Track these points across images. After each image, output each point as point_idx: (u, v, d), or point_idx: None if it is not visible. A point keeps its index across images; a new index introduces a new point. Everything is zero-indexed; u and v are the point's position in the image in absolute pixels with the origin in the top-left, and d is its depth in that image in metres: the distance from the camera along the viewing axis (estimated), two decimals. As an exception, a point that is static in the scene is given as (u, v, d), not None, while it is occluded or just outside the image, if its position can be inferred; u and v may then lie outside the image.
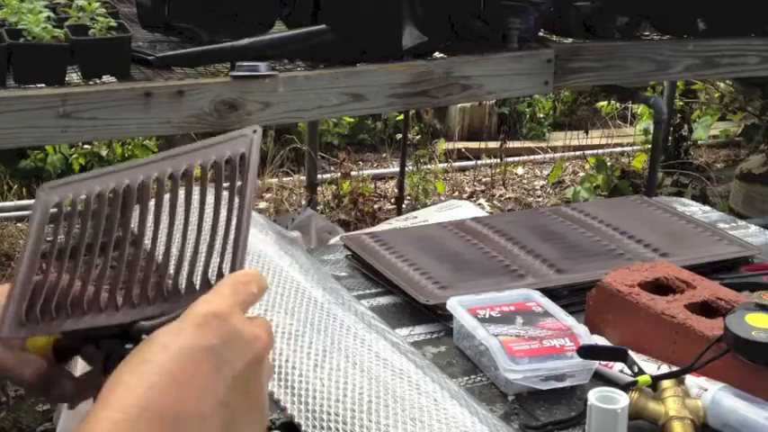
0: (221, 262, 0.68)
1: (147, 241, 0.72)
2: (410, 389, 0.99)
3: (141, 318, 0.70)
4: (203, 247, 0.69)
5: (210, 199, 0.70)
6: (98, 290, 0.73)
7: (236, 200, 0.69)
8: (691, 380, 1.06)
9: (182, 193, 0.71)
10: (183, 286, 0.69)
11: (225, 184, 0.70)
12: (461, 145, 5.22)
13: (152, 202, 0.72)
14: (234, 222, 0.68)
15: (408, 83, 2.39)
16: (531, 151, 5.25)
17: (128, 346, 0.67)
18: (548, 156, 5.24)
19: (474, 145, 5.22)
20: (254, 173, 0.71)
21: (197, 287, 0.68)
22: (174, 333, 0.59)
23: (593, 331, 1.19)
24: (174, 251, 0.70)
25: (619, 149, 5.14)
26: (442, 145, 5.03)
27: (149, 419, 0.55)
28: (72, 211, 0.76)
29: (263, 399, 0.63)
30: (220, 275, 0.66)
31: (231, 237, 0.68)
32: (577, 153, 5.22)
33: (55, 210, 0.77)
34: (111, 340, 0.73)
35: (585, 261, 1.44)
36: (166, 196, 0.72)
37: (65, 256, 0.77)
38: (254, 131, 0.73)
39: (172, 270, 0.69)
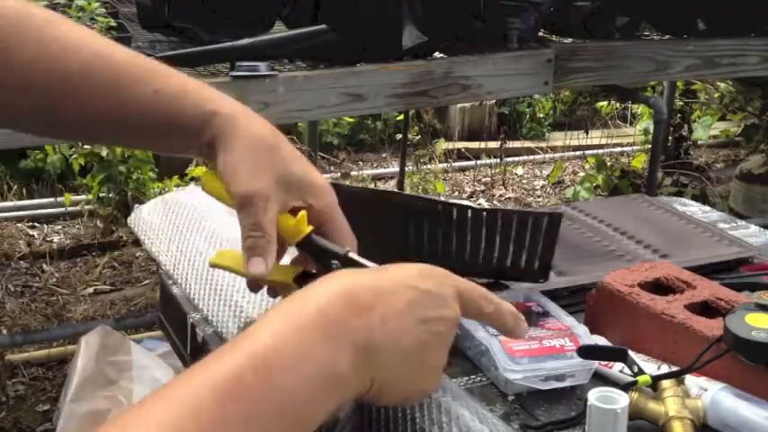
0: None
1: None
2: (410, 389, 0.98)
3: None
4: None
5: None
6: None
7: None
8: (691, 380, 1.06)
9: None
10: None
11: None
12: (461, 145, 5.23)
13: None
14: None
15: (408, 83, 2.39)
16: (530, 151, 5.25)
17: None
18: (548, 156, 5.24)
19: (474, 145, 5.22)
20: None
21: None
22: (402, 268, 0.73)
23: (593, 331, 1.19)
24: None
25: (619, 149, 5.14)
26: (442, 145, 5.04)
27: (373, 291, 0.69)
28: None
29: (441, 361, 0.73)
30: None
31: None
32: (577, 153, 5.22)
33: None
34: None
35: (585, 263, 1.44)
36: None
37: None
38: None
39: None
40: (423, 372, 0.71)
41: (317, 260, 0.89)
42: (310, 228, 0.87)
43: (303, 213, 0.87)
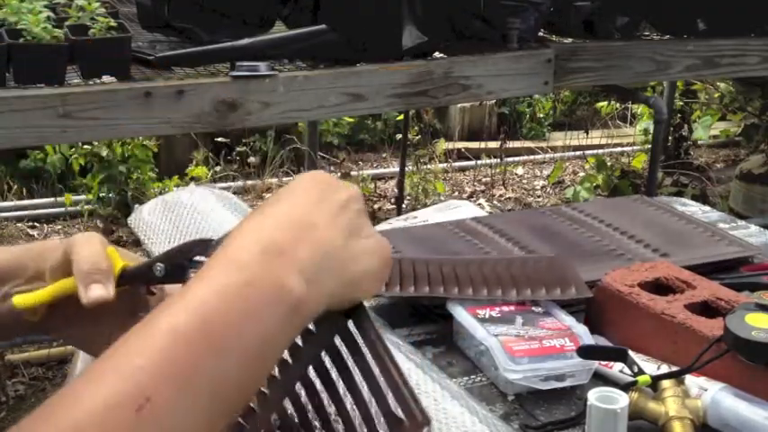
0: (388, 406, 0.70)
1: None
2: (410, 389, 0.98)
3: None
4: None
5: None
6: None
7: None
8: (691, 380, 1.06)
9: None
10: None
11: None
12: (461, 145, 5.23)
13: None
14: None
15: (408, 83, 2.39)
16: (531, 151, 5.25)
17: None
18: (548, 156, 5.24)
19: (474, 145, 5.22)
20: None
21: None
22: (287, 191, 0.73)
23: (593, 331, 1.19)
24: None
25: (619, 149, 5.14)
26: (442, 145, 5.03)
27: (285, 226, 0.68)
28: None
29: (373, 236, 0.73)
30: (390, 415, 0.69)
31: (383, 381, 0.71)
32: (577, 153, 5.22)
33: None
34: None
35: (585, 261, 1.44)
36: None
37: None
38: None
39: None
40: (368, 248, 0.72)
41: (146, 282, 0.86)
42: (123, 262, 0.85)
43: (110, 250, 0.85)
